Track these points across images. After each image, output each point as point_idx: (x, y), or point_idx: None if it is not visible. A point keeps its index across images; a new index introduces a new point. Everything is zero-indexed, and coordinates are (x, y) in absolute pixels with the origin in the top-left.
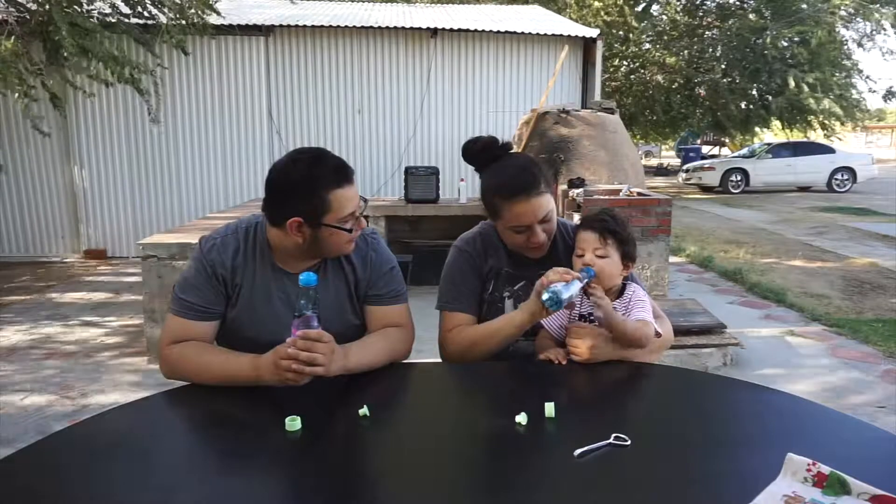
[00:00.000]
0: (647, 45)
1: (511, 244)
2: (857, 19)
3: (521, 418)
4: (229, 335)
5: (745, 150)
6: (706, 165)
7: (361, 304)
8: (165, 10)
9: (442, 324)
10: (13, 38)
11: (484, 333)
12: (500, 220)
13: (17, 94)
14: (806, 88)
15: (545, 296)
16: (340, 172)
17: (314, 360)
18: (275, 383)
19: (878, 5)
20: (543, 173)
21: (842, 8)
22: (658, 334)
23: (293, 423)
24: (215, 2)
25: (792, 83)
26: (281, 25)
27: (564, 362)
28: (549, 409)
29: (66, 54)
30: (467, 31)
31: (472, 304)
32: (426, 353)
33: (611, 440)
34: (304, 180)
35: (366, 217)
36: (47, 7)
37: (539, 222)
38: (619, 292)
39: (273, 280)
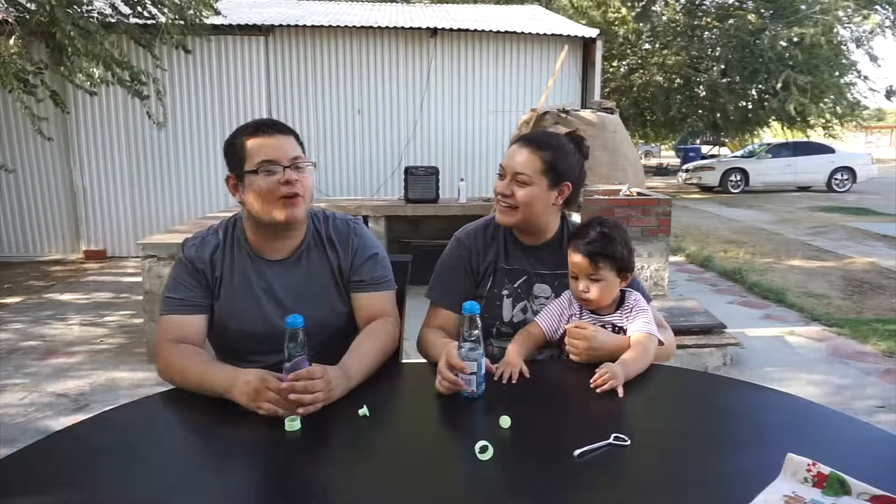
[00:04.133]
0: (647, 46)
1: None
2: (856, 20)
3: (504, 422)
4: (217, 329)
5: (744, 150)
6: (706, 165)
7: (348, 291)
8: (165, 10)
9: (427, 315)
10: (13, 37)
11: (431, 352)
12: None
13: (17, 95)
14: (796, 93)
15: (465, 391)
16: (260, 124)
17: (315, 400)
18: (246, 406)
19: (877, 6)
20: (556, 153)
21: (840, 9)
22: (660, 342)
23: (293, 424)
24: (215, 1)
25: (780, 84)
26: (281, 25)
27: (515, 380)
28: (505, 421)
29: (70, 55)
30: (467, 31)
31: (456, 300)
32: None
33: (611, 440)
34: (231, 136)
35: (365, 217)
36: (48, 7)
37: (512, 178)
38: (619, 302)
39: (252, 269)
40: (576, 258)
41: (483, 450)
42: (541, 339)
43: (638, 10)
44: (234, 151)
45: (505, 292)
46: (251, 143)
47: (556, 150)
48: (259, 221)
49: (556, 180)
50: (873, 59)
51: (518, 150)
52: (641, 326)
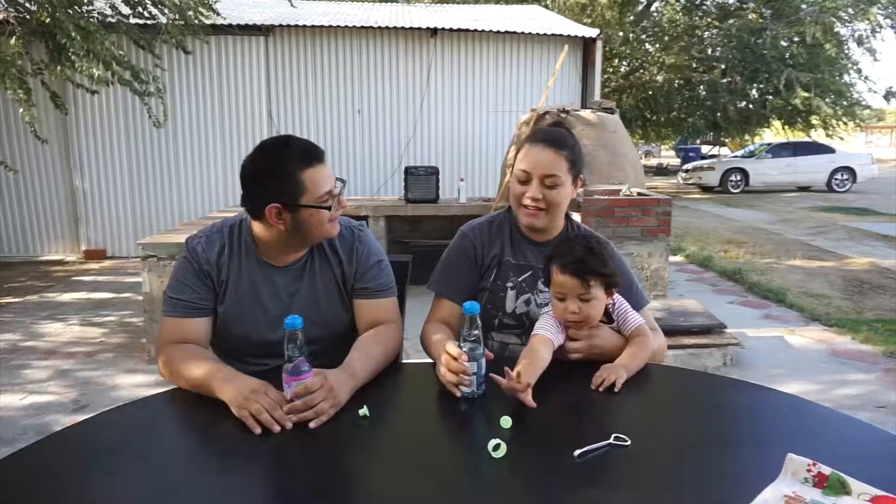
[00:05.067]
0: (647, 46)
1: (513, 197)
2: (856, 19)
3: (505, 422)
4: (220, 333)
5: (744, 150)
6: (706, 165)
7: (350, 297)
8: (166, 10)
9: (431, 309)
10: (14, 37)
11: (432, 350)
12: (516, 166)
13: (17, 97)
14: (800, 91)
15: (465, 391)
16: (309, 153)
17: (319, 412)
18: (234, 402)
19: (876, 7)
20: (572, 149)
21: (840, 9)
22: None
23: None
24: (215, 2)
25: (783, 82)
26: (281, 25)
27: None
28: (506, 422)
29: (72, 56)
30: (467, 31)
31: (460, 293)
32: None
33: (611, 440)
34: (274, 165)
35: (365, 217)
36: (49, 8)
37: (540, 181)
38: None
39: (259, 274)
40: (563, 278)
41: (496, 448)
42: (549, 356)
43: (635, 14)
44: (281, 183)
45: (509, 284)
46: (307, 175)
47: (573, 146)
48: (296, 239)
49: (576, 176)
50: (871, 52)
51: (543, 152)
52: (636, 321)
